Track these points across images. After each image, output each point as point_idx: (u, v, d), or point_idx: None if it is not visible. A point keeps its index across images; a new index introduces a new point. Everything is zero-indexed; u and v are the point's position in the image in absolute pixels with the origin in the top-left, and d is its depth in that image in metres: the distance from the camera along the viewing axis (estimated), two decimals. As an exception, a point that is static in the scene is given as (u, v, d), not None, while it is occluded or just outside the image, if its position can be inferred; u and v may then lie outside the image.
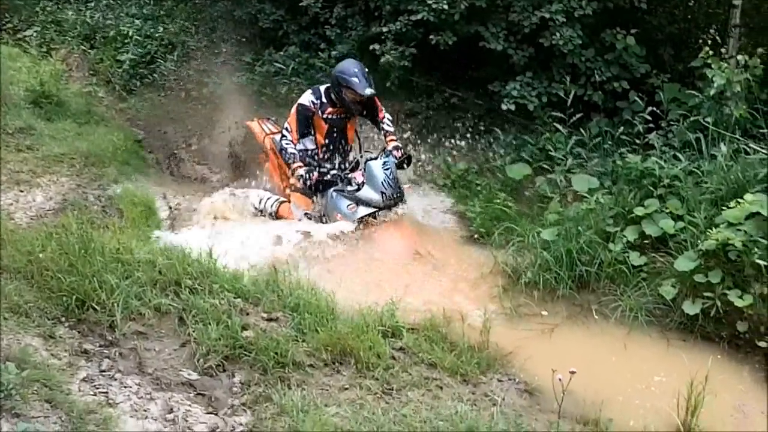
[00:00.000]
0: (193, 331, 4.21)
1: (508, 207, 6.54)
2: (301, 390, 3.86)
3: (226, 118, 8.09)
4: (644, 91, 6.97)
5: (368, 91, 6.39)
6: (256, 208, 6.95)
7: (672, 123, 6.51)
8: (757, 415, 4.17)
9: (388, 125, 6.78)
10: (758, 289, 4.88)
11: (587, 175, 6.48)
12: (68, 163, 6.92)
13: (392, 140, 6.67)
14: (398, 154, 6.53)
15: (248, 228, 6.47)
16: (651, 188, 5.92)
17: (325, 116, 6.59)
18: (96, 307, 4.22)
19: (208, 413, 3.75)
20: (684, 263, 5.18)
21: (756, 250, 4.95)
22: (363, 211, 6.41)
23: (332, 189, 6.55)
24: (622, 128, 6.72)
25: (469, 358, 4.42)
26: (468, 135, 7.89)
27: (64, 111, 8.10)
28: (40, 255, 4.47)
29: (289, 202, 6.79)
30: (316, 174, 6.41)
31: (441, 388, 4.15)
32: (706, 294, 5.01)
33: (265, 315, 4.53)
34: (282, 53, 8.98)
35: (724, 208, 5.31)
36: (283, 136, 6.60)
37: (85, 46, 9.97)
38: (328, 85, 6.61)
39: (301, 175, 6.34)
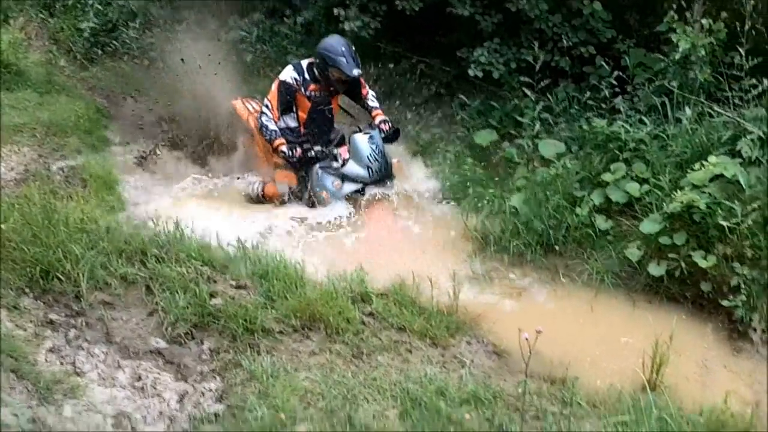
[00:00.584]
0: (161, 300, 4.19)
1: (476, 173, 6.55)
2: (271, 356, 3.86)
3: (191, 87, 7.98)
4: (610, 56, 6.96)
5: (356, 72, 6.18)
6: (249, 196, 6.70)
7: (638, 87, 6.53)
8: (719, 370, 4.25)
9: (373, 101, 6.62)
10: (722, 249, 4.95)
11: (554, 141, 6.48)
12: (29, 133, 6.79)
13: (378, 114, 6.51)
14: (386, 127, 6.37)
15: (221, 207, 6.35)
16: (617, 152, 5.94)
17: (307, 93, 6.37)
18: (61, 277, 4.18)
19: (177, 380, 3.75)
20: (649, 226, 5.23)
21: (719, 211, 5.01)
22: (349, 187, 6.27)
23: (317, 166, 6.35)
24: (588, 93, 6.72)
25: (438, 322, 4.44)
26: (435, 102, 7.87)
27: (24, 80, 7.92)
28: (2, 226, 4.40)
29: (274, 182, 6.59)
30: (299, 150, 6.24)
31: (410, 351, 4.18)
32: (670, 256, 5.07)
33: (233, 283, 4.51)
34: (246, 20, 8.86)
35: (688, 170, 5.35)
36: (262, 113, 6.35)
37: (44, 14, 9.72)
38: (310, 60, 6.39)
39: (284, 152, 6.19)
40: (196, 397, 3.61)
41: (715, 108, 5.79)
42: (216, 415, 3.47)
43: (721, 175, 5.17)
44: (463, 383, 3.74)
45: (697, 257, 4.97)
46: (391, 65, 8.33)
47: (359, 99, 6.66)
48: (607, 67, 6.73)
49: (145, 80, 8.68)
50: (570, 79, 7.08)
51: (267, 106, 6.32)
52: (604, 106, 6.51)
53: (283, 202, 6.41)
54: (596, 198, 5.73)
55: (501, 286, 5.25)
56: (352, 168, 6.26)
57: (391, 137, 6.42)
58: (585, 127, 6.40)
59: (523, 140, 6.65)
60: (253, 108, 7.01)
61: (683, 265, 5.01)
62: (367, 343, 4.13)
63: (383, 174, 6.31)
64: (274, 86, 6.37)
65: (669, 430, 3.11)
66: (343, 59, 6.13)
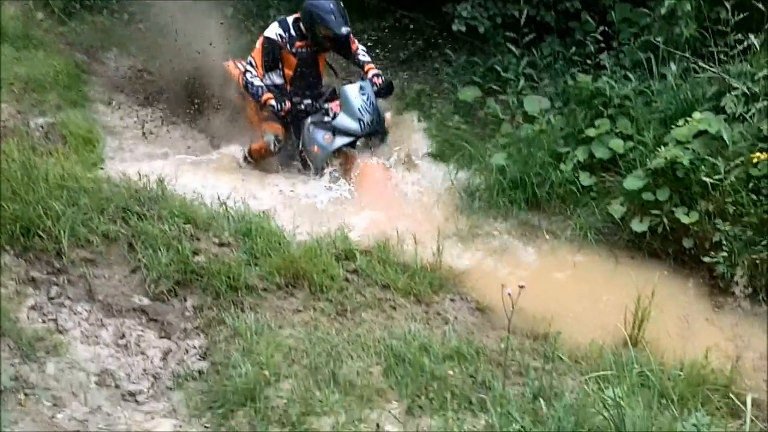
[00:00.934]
0: (143, 257, 4.16)
1: (461, 129, 6.52)
2: (255, 313, 3.85)
3: (173, 42, 7.85)
4: (596, 11, 6.88)
5: (344, 30, 6.04)
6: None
7: (623, 43, 6.49)
8: (700, 325, 4.29)
9: (364, 55, 6.46)
10: (704, 206, 4.97)
11: (539, 97, 6.45)
12: (7, 88, 6.65)
13: (371, 68, 6.35)
14: (379, 81, 6.22)
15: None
16: (602, 108, 5.92)
17: (294, 50, 6.22)
18: (42, 234, 4.13)
19: (160, 337, 3.75)
20: (632, 182, 5.24)
21: (703, 167, 5.02)
22: (340, 141, 6.08)
23: (309, 121, 6.20)
24: (574, 49, 6.68)
25: (422, 279, 4.45)
26: (420, 57, 7.79)
27: (0, 35, 7.77)
28: (-19, 183, 4.35)
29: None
30: (288, 104, 6.06)
31: (394, 308, 4.19)
32: (653, 212, 5.09)
33: (216, 240, 4.48)
34: (227, -27, 8.68)
35: (672, 127, 5.35)
36: (246, 70, 6.18)
37: (20, -34, 9.52)
38: (296, 16, 6.23)
39: (272, 106, 6.02)
40: (180, 355, 3.61)
41: (701, 64, 5.77)
42: (200, 372, 3.48)
43: (705, 132, 5.17)
44: (446, 339, 3.76)
45: (680, 213, 4.99)
46: (376, 20, 8.23)
47: (349, 55, 6.50)
48: (592, 22, 6.65)
49: (125, 35, 8.52)
50: (555, 35, 7.01)
51: (251, 63, 6.17)
52: (589, 61, 6.46)
53: (270, 153, 6.29)
54: (580, 154, 5.72)
55: (485, 243, 5.25)
56: (343, 121, 6.06)
57: (384, 91, 6.25)
58: (570, 82, 6.38)
59: (507, 96, 6.62)
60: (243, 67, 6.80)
61: (666, 221, 5.03)
62: (351, 300, 4.13)
63: (375, 127, 6.12)
64: (259, 43, 6.23)
65: (650, 385, 3.14)
66: (332, 16, 6.00)
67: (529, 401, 3.19)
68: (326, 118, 6.13)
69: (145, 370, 3.52)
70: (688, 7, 5.94)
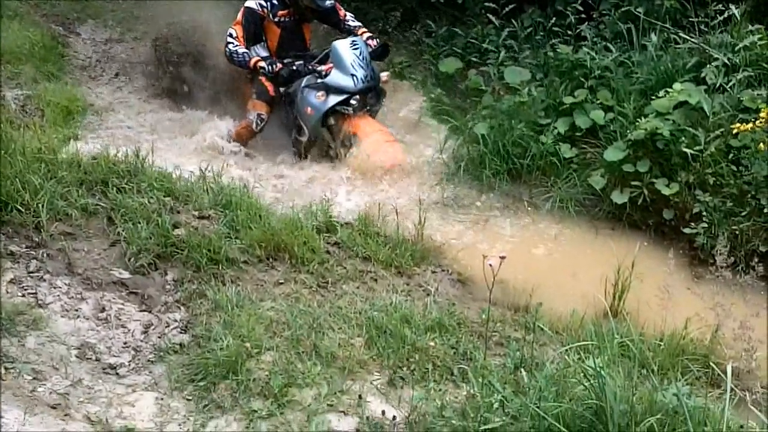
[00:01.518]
0: (123, 231, 4.12)
1: (442, 101, 6.50)
2: (236, 286, 3.84)
3: (151, 14, 7.75)
4: (577, -19, 6.89)
5: (328, 3, 5.98)
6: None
7: (604, 14, 6.47)
8: (681, 294, 4.31)
9: (353, 21, 6.33)
10: (684, 177, 4.99)
11: (519, 68, 6.43)
12: (-19, 60, 6.59)
13: (364, 32, 6.22)
14: (373, 43, 6.09)
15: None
16: (582, 80, 5.93)
17: (276, 20, 6.11)
18: (20, 208, 4.08)
19: (141, 311, 3.73)
20: (613, 153, 5.25)
21: (683, 138, 5.04)
22: (334, 99, 5.84)
23: (302, 85, 6.00)
24: (554, 20, 6.63)
25: (404, 251, 4.45)
26: (401, 29, 7.74)
27: (-28, 6, 7.65)
28: (-43, 156, 4.29)
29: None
30: (279, 65, 5.88)
31: (376, 280, 4.19)
32: (633, 183, 5.11)
33: (196, 213, 4.45)
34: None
35: (653, 98, 5.37)
36: (228, 42, 6.00)
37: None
38: None
39: (263, 68, 5.86)
40: (161, 328, 3.60)
41: (681, 34, 5.78)
42: (181, 345, 3.46)
43: (686, 102, 5.19)
44: (427, 311, 3.77)
45: (660, 185, 5.02)
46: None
47: (338, 24, 6.39)
48: (573, -8, 6.63)
49: (102, 7, 8.41)
50: (536, 5, 6.98)
51: (231, 35, 6.01)
52: (569, 32, 6.44)
53: (253, 133, 6.16)
54: (561, 126, 5.72)
55: (466, 215, 5.27)
56: (335, 77, 5.84)
57: (379, 53, 6.12)
58: (550, 54, 6.37)
59: (488, 68, 6.59)
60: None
61: (646, 192, 5.06)
62: (332, 272, 4.13)
63: (370, 83, 5.89)
64: (240, 14, 6.09)
65: (630, 355, 3.16)
66: None
67: (510, 372, 3.21)
68: (320, 80, 5.94)
69: (125, 343, 3.50)
70: (669, -23, 5.95)
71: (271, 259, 4.17)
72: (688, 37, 5.70)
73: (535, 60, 6.55)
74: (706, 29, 5.68)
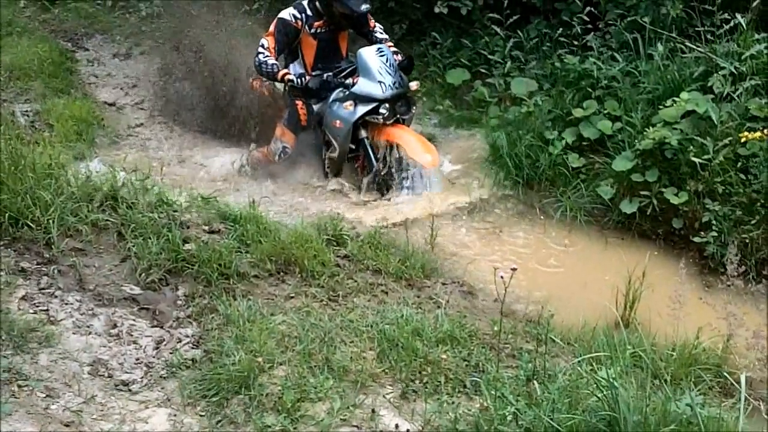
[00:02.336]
0: (133, 246, 4.13)
1: (450, 113, 6.52)
2: (247, 300, 3.84)
3: (158, 29, 7.80)
4: (582, -9, 6.90)
5: (364, 8, 5.74)
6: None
7: (610, 23, 6.48)
8: (692, 304, 4.30)
9: (381, 33, 6.16)
10: (693, 186, 5.00)
11: (526, 78, 6.46)
12: (-9, 77, 6.63)
13: (390, 45, 6.06)
14: (398, 57, 5.94)
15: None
16: (589, 90, 5.95)
17: (313, 31, 5.92)
18: (31, 224, 4.09)
19: (153, 326, 3.72)
20: (621, 163, 5.26)
21: (691, 147, 5.05)
22: (362, 108, 5.65)
23: (330, 100, 5.85)
24: (560, 30, 6.66)
25: (414, 263, 4.45)
26: (407, 40, 7.76)
27: (-18, 23, 7.71)
28: (-32, 173, 4.30)
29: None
30: (308, 77, 5.76)
31: (386, 293, 4.18)
32: (642, 193, 5.12)
33: (206, 228, 4.46)
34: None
35: (660, 107, 5.38)
36: (257, 53, 5.81)
37: (1, -46, 9.41)
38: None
39: (291, 80, 5.72)
40: (173, 343, 3.60)
41: (687, 44, 5.79)
42: (193, 360, 3.46)
43: (693, 111, 5.20)
44: (439, 323, 3.76)
45: (669, 194, 5.03)
46: (360, 3, 8.18)
47: (366, 34, 6.21)
48: (578, 2, 6.64)
49: (109, 22, 8.46)
50: (541, 16, 7.00)
51: (262, 45, 5.84)
52: (576, 42, 6.46)
53: (270, 163, 6.03)
54: (568, 136, 5.75)
55: (477, 225, 5.28)
56: (363, 86, 5.65)
57: (404, 66, 5.90)
58: (557, 64, 6.39)
59: (494, 79, 6.61)
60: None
61: (655, 202, 5.07)
62: (342, 285, 4.13)
63: (398, 90, 5.69)
64: (272, 26, 5.94)
65: (642, 365, 3.15)
66: None
67: (523, 383, 3.19)
68: (348, 92, 5.78)
69: (138, 359, 3.50)
70: (675, -14, 5.96)
71: (281, 273, 4.18)
72: (694, 46, 5.72)
73: (541, 70, 6.57)
74: (712, 38, 5.69)
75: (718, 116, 5.09)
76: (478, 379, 3.27)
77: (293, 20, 5.87)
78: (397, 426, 3.01)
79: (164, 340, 3.63)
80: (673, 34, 5.97)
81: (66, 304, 3.74)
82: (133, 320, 3.74)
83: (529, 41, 6.81)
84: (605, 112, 5.73)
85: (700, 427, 2.53)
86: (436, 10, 7.11)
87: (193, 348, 3.58)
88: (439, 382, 3.31)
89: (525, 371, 3.26)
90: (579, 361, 3.20)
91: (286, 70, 5.79)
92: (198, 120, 6.82)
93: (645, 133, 5.23)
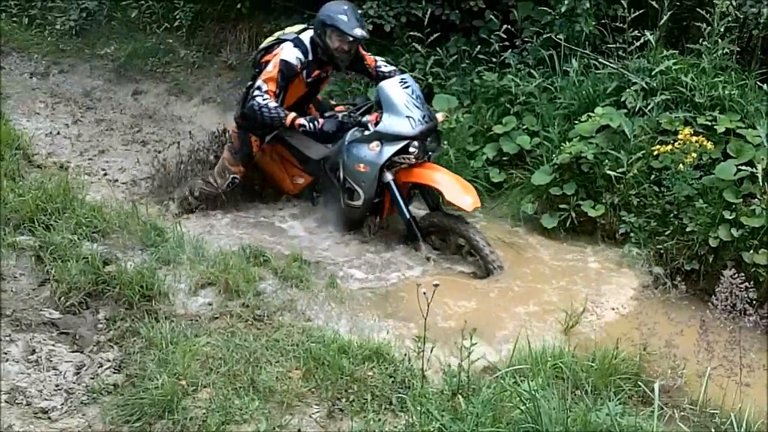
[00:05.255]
0: (52, 269, 4.04)
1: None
2: (170, 322, 3.79)
3: (76, 46, 7.66)
4: (499, 9, 7.02)
5: (358, 32, 5.11)
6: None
7: (526, 41, 6.63)
8: (610, 314, 4.45)
9: (386, 66, 5.59)
10: (609, 198, 5.16)
11: (446, 95, 6.54)
12: None
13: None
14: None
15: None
16: (508, 105, 6.08)
17: (308, 79, 5.41)
18: (-57, 248, 3.98)
19: (73, 351, 3.65)
20: (540, 177, 5.40)
21: (606, 161, 5.21)
22: (390, 149, 4.99)
23: (346, 142, 5.24)
24: (479, 47, 6.78)
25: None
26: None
27: None
28: None
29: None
30: (321, 120, 5.14)
31: (312, 310, 4.19)
32: (561, 206, 5.25)
33: (128, 248, 4.39)
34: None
35: (576, 122, 5.53)
36: (255, 95, 5.19)
37: None
38: (311, 34, 5.33)
39: (303, 125, 5.10)
40: (94, 368, 3.53)
41: (601, 60, 5.97)
42: (115, 385, 3.40)
43: (607, 126, 5.36)
44: (365, 340, 3.78)
45: (587, 207, 5.18)
46: (282, 20, 8.18)
47: (368, 71, 5.64)
48: (496, 20, 6.77)
49: (27, 39, 8.26)
50: (460, 33, 7.12)
51: (259, 88, 5.21)
52: (494, 59, 6.59)
53: (218, 194, 5.67)
54: (489, 151, 5.85)
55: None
56: (389, 123, 5.01)
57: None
58: (476, 81, 6.50)
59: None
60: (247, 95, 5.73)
61: (573, 215, 5.19)
62: (267, 304, 4.11)
63: (428, 124, 5.08)
64: (273, 65, 5.25)
65: (564, 376, 3.24)
66: (344, 17, 5.13)
67: (448, 398, 3.24)
68: (366, 132, 5.14)
69: (57, 385, 3.42)
70: (587, 4, 6.14)
71: (205, 293, 4.14)
72: (607, 63, 5.90)
73: (461, 87, 6.67)
74: (624, 54, 5.88)
75: (631, 130, 5.26)
76: (404, 396, 3.30)
77: (297, 64, 5.29)
78: (323, 445, 3.02)
79: (85, 365, 3.56)
80: (587, 51, 6.15)
81: (-19, 330, 3.63)
82: (53, 345, 3.66)
83: (449, 58, 6.90)
84: (524, 127, 5.87)
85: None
86: (360, 27, 7.13)
87: (114, 372, 3.52)
88: (366, 399, 3.32)
89: (450, 386, 3.30)
90: (502, 374, 3.25)
91: (294, 114, 5.14)
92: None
93: (562, 147, 5.37)
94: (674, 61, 5.58)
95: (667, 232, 4.91)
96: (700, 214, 4.79)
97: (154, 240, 4.45)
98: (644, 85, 5.53)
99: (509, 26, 6.63)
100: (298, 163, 5.67)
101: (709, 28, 5.54)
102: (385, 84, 5.14)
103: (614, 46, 5.96)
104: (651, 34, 5.73)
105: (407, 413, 3.14)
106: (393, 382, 3.45)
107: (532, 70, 6.32)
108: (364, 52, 5.55)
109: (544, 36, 6.44)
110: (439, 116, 5.37)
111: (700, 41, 5.63)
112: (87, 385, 3.42)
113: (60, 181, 4.75)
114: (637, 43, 5.80)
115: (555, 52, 6.28)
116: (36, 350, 3.59)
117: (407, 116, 4.98)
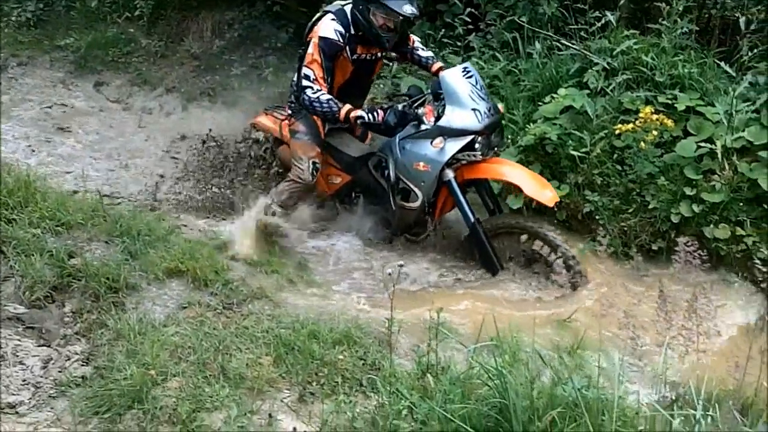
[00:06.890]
0: (16, 264, 4.00)
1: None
2: (137, 313, 3.77)
3: (34, 38, 7.55)
4: (463, -7, 7.06)
5: (408, 9, 4.65)
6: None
7: (490, 24, 6.67)
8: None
9: (424, 50, 5.28)
10: (573, 178, 5.20)
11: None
12: None
13: (439, 66, 5.24)
14: None
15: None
16: (473, 89, 6.08)
17: (353, 57, 4.93)
18: None
19: (39, 346, 3.61)
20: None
21: (570, 142, 5.25)
22: (454, 145, 4.63)
23: (398, 139, 4.82)
24: (443, 31, 6.81)
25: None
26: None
27: None
28: None
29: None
30: (381, 112, 4.72)
31: (281, 296, 4.19)
32: (527, 187, 5.27)
33: (93, 240, 4.36)
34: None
35: (540, 103, 5.57)
36: (305, 86, 4.74)
37: None
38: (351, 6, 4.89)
39: (363, 117, 4.68)
40: (61, 362, 3.50)
41: (563, 41, 6.01)
42: (83, 377, 3.37)
43: (571, 107, 5.41)
44: (335, 325, 3.79)
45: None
46: (247, 7, 8.14)
47: (405, 53, 5.32)
48: (460, 4, 6.80)
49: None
50: (425, 17, 7.12)
51: (306, 77, 4.77)
52: (459, 43, 6.62)
53: (304, 187, 5.09)
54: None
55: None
56: (453, 116, 4.63)
57: None
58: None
59: (383, 80, 6.69)
60: (282, 116, 5.47)
61: (539, 195, 5.22)
62: (236, 292, 4.10)
63: (494, 116, 4.75)
64: (312, 47, 4.80)
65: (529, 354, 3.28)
66: None
67: (417, 378, 3.26)
68: (422, 127, 4.76)
69: (24, 380, 3.39)
70: (549, -14, 6.17)
71: (173, 283, 4.12)
72: (569, 44, 5.94)
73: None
74: (585, 36, 5.92)
75: (594, 110, 5.31)
76: (374, 377, 3.31)
77: (338, 38, 4.82)
78: (294, 429, 3.02)
79: (52, 358, 3.53)
80: (550, 33, 6.19)
81: (-55, 328, 3.59)
82: (19, 340, 3.62)
83: (414, 43, 6.90)
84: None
85: (582, 409, 2.64)
86: (325, 12, 7.09)
87: (82, 365, 3.49)
88: (336, 382, 3.34)
89: (419, 365, 3.33)
90: (471, 351, 3.28)
91: (348, 107, 4.71)
92: None
93: (526, 129, 5.40)
94: (635, 41, 5.63)
95: (630, 210, 4.97)
96: (662, 191, 4.87)
97: (119, 231, 4.40)
98: (606, 66, 5.57)
99: (473, 10, 6.66)
100: (334, 161, 5.30)
101: (669, 8, 5.59)
102: (446, 74, 4.78)
103: (576, 27, 6.01)
104: (612, 15, 5.77)
105: (378, 394, 3.16)
106: (363, 364, 3.47)
107: (496, 53, 6.36)
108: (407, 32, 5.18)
109: (508, 19, 6.48)
110: (501, 106, 5.06)
111: (660, 21, 5.68)
112: (55, 379, 3.39)
113: (18, 175, 4.68)
114: (599, 24, 5.85)
115: (518, 34, 6.31)
116: (2, 346, 3.55)
117: (473, 109, 4.62)
